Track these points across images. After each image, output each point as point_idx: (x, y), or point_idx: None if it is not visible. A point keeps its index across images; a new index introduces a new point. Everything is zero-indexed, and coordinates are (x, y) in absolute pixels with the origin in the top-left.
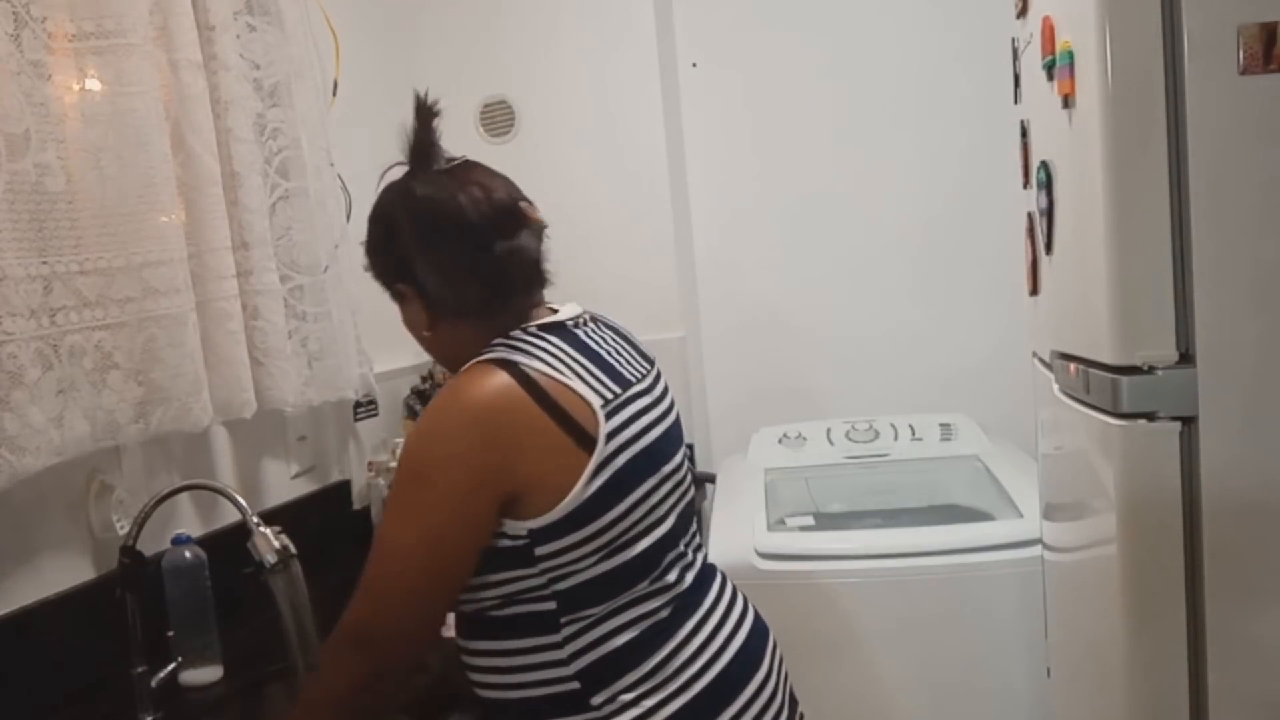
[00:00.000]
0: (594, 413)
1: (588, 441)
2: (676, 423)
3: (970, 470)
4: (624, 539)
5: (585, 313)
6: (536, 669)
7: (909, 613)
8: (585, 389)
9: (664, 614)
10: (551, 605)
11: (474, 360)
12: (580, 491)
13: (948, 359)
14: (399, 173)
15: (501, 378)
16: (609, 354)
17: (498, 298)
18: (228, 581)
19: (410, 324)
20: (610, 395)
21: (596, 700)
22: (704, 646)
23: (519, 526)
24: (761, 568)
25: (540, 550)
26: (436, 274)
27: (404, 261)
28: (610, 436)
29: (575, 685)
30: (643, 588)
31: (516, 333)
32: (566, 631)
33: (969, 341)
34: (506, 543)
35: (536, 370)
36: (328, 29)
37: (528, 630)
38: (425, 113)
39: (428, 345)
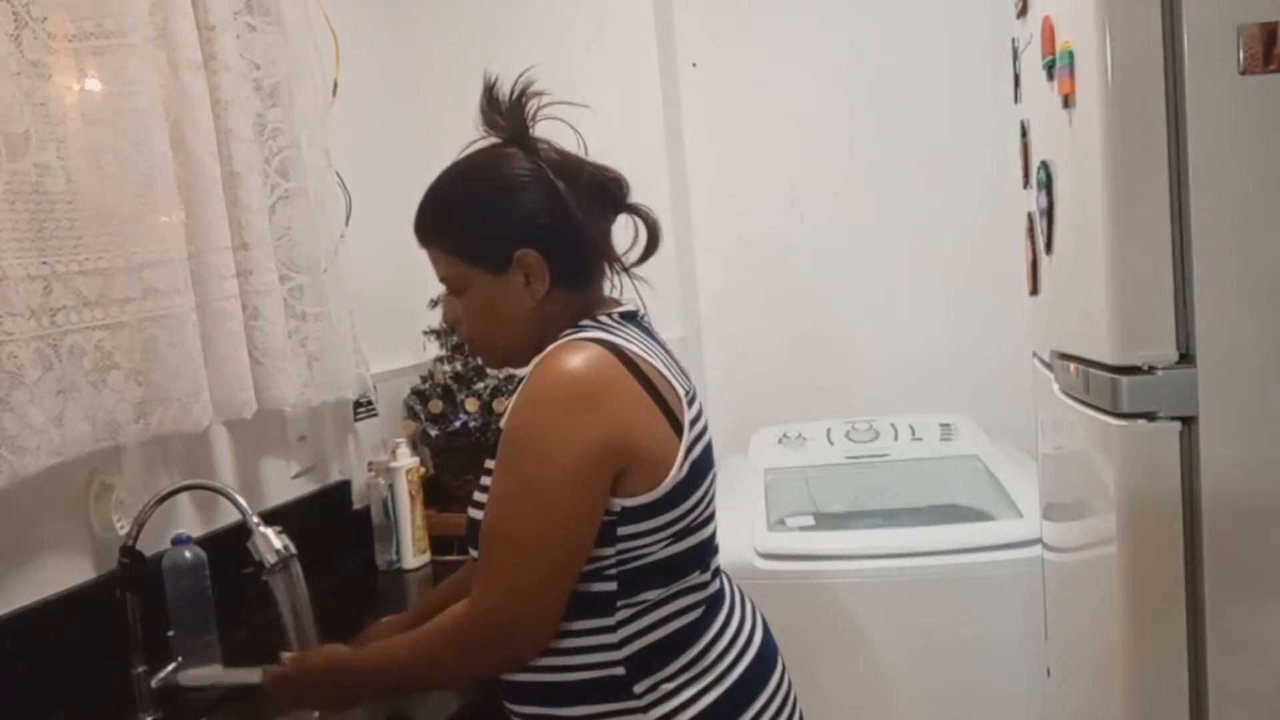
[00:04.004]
0: (680, 399)
1: (677, 426)
2: None
3: (970, 470)
4: (691, 525)
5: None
6: (585, 652)
7: (909, 613)
8: (670, 375)
9: (701, 609)
10: (612, 586)
11: (566, 339)
12: (676, 473)
13: (948, 359)
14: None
15: (603, 353)
16: (669, 352)
17: (599, 265)
18: (228, 581)
19: (496, 305)
20: (687, 386)
21: (639, 688)
22: (733, 642)
23: (614, 503)
24: (762, 568)
25: (624, 530)
26: (567, 234)
27: (528, 222)
28: (691, 424)
29: (620, 671)
30: (693, 578)
31: (602, 318)
32: (620, 615)
33: (969, 341)
34: None
35: (631, 351)
36: (328, 29)
37: (581, 612)
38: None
39: (515, 324)
